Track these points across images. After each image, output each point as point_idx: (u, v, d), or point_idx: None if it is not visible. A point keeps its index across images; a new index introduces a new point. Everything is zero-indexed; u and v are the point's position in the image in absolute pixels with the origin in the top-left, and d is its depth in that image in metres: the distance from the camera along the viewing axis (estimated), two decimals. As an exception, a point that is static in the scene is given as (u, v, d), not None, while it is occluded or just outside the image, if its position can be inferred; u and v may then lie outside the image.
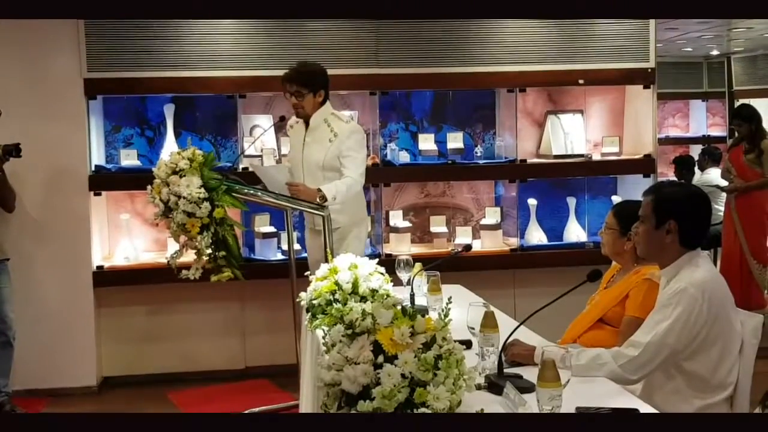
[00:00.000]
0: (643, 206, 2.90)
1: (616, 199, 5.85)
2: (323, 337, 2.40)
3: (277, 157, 5.44)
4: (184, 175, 4.09)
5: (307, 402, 3.48)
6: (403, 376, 2.08)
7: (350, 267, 3.25)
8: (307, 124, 4.62)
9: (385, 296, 3.02)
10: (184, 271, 4.24)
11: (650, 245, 2.90)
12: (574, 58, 5.58)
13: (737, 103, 9.59)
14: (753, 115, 6.35)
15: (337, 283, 3.18)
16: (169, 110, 5.47)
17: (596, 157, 5.81)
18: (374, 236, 5.54)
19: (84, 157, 5.22)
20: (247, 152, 5.25)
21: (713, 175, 7.71)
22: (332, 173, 4.50)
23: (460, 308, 2.76)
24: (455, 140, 5.66)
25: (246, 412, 4.67)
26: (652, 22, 5.63)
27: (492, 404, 2.39)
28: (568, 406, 2.24)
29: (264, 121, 5.53)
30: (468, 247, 3.86)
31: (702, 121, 10.44)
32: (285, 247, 5.23)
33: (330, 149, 4.49)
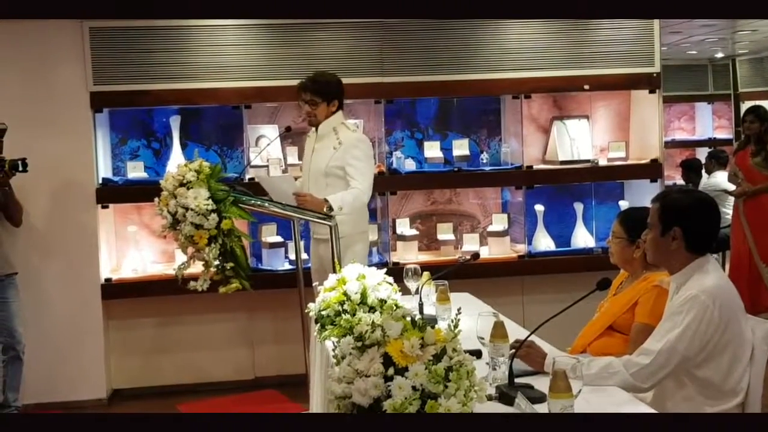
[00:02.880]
0: (651, 213, 2.90)
1: (623, 204, 5.84)
2: (333, 349, 2.39)
3: (284, 167, 5.44)
4: (192, 187, 4.09)
5: (318, 412, 3.47)
6: (414, 388, 2.07)
7: (358, 277, 3.25)
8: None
9: (394, 307, 3.02)
10: (192, 283, 4.24)
11: (658, 252, 2.89)
12: (579, 63, 5.58)
13: (743, 105, 9.59)
14: (767, 116, 6.34)
15: (345, 294, 3.18)
16: (175, 122, 5.48)
17: (603, 162, 5.80)
18: (381, 244, 5.54)
19: (91, 170, 5.23)
20: (253, 162, 5.26)
21: (720, 179, 7.69)
22: (335, 180, 4.48)
23: (469, 317, 2.75)
24: (461, 147, 5.66)
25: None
26: (656, 26, 5.62)
27: (503, 415, 2.38)
28: (579, 416, 2.23)
29: (270, 132, 5.54)
30: (476, 256, 3.84)
31: (708, 123, 10.44)
32: (292, 256, 5.23)
33: (334, 156, 4.48)
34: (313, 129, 4.62)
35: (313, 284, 3.57)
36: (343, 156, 4.46)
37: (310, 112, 4.54)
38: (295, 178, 4.73)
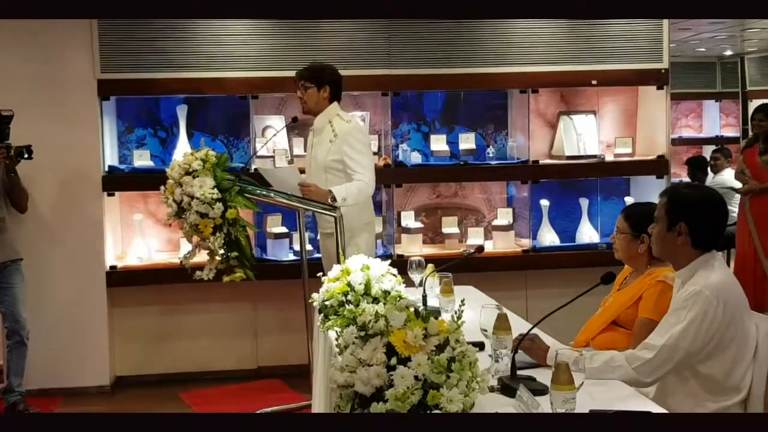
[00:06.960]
0: (659, 207, 2.90)
1: (629, 200, 5.83)
2: (336, 339, 2.40)
3: (289, 158, 5.45)
4: (198, 176, 4.09)
5: (320, 402, 3.48)
6: (416, 378, 2.08)
7: (362, 268, 3.25)
8: None
9: (398, 298, 3.02)
10: (198, 272, 4.25)
11: (664, 247, 2.89)
12: (587, 58, 5.57)
13: (751, 104, 9.56)
14: None
15: (349, 285, 3.18)
16: (181, 111, 5.49)
17: (609, 158, 5.79)
18: (386, 237, 5.54)
19: (97, 157, 5.24)
20: (259, 153, 5.26)
21: (726, 176, 7.67)
22: (334, 174, 4.46)
23: (473, 310, 2.75)
24: (467, 141, 5.66)
25: (258, 412, 4.68)
26: (665, 22, 5.60)
27: (505, 407, 2.38)
28: (581, 409, 2.23)
29: (276, 122, 5.54)
30: (480, 249, 3.83)
31: (715, 121, 10.41)
32: (297, 247, 5.24)
33: (330, 150, 4.45)
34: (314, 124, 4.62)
35: (319, 274, 3.56)
36: (340, 148, 4.42)
37: (301, 97, 4.54)
38: (301, 171, 4.72)
